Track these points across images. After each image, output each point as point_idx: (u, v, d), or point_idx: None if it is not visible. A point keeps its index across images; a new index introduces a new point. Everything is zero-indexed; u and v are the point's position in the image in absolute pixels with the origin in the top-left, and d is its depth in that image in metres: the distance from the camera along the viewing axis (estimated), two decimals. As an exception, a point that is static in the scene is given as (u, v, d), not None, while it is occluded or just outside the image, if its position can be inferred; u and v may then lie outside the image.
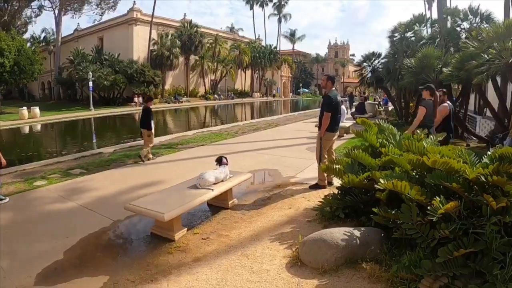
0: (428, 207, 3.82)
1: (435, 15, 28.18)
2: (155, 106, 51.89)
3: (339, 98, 8.09)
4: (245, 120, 33.68)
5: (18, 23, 65.47)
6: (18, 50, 42.87)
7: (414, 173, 4.75)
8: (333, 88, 8.15)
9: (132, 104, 51.95)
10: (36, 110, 37.06)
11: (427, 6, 55.54)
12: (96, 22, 70.48)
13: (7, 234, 5.90)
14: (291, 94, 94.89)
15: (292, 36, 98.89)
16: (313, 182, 8.07)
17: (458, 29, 17.26)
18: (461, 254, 3.55)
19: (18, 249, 5.36)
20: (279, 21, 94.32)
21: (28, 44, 51.09)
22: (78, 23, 79.06)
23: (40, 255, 5.10)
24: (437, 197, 3.81)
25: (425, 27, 21.21)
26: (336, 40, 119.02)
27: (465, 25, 16.98)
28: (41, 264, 4.85)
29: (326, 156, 7.92)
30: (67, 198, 7.80)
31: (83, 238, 5.70)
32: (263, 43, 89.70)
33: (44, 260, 4.96)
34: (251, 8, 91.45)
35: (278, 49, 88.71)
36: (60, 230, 6.02)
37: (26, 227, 6.26)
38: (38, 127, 33.16)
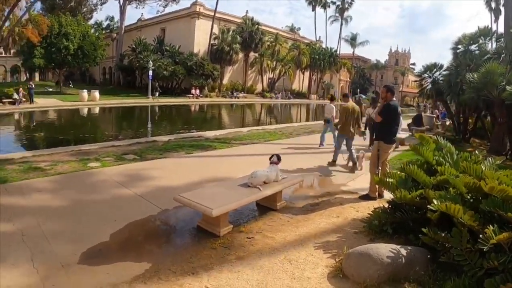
0: (480, 235, 3.74)
1: (501, 29, 27.26)
2: (211, 99, 52.54)
3: (399, 109, 7.93)
4: (300, 121, 33.59)
5: (84, 9, 68.00)
6: (82, 35, 44.78)
7: (469, 197, 4.64)
8: (394, 99, 8.00)
9: (190, 95, 52.68)
10: (96, 93, 38.62)
11: (493, 18, 53.62)
12: (159, 14, 72.06)
13: (57, 212, 6.15)
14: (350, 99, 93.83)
15: (353, 40, 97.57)
16: (364, 193, 7.98)
17: (525, 45, 16.62)
18: (508, 288, 3.44)
19: (66, 227, 5.57)
20: (341, 24, 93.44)
21: (92, 30, 52.83)
22: (142, 13, 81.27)
23: (86, 235, 5.28)
24: (490, 225, 3.72)
25: (490, 41, 20.51)
26: (397, 48, 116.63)
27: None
28: (87, 244, 5.02)
29: (380, 167, 7.81)
30: (118, 182, 8.05)
31: (131, 223, 5.86)
32: (323, 45, 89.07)
33: (90, 240, 5.13)
34: (313, 9, 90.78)
35: (338, 52, 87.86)
36: (108, 213, 6.23)
37: (75, 206, 6.50)
38: (97, 110, 34.38)
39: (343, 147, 11.18)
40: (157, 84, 50.29)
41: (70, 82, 58.32)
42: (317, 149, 14.02)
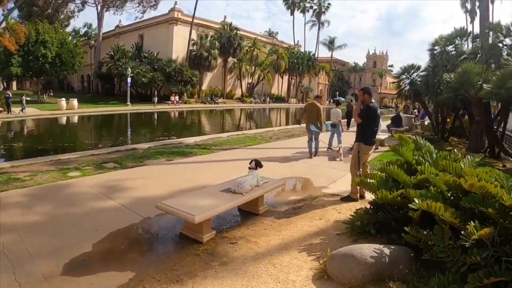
0: (462, 232, 3.77)
1: (477, 30, 27.71)
2: (191, 105, 52.49)
3: (378, 111, 7.97)
4: (280, 125, 33.68)
5: (61, 16, 67.67)
6: (60, 43, 44.52)
7: (449, 194, 4.68)
8: (373, 101, 8.04)
9: (169, 102, 52.65)
10: (74, 102, 38.51)
11: (469, 19, 54.48)
12: (138, 20, 71.82)
13: (38, 223, 6.06)
14: (327, 102, 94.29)
15: (331, 44, 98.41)
16: (345, 194, 8.00)
17: (500, 45, 16.86)
18: (491, 282, 3.47)
19: (48, 238, 5.48)
20: (318, 28, 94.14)
21: (70, 38, 52.49)
22: (119, 20, 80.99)
23: (69, 246, 5.21)
24: (471, 221, 3.75)
25: (467, 41, 20.82)
26: (375, 50, 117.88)
27: (508, 41, 16.60)
28: (69, 254, 4.96)
29: (361, 169, 7.84)
30: (99, 192, 7.96)
31: (113, 233, 5.80)
32: (302, 49, 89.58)
33: (73, 251, 5.06)
34: (292, 13, 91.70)
35: (316, 55, 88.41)
36: (90, 223, 6.14)
37: (57, 217, 6.41)
38: (75, 118, 34.17)
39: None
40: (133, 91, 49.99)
41: (51, 90, 57.91)
42: (297, 153, 14.01)
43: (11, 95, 33.26)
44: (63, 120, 32.65)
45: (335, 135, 14.75)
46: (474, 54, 17.61)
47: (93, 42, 70.12)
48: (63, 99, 38.54)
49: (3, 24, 40.60)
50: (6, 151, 17.26)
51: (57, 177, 9.08)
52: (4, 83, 70.52)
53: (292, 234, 5.90)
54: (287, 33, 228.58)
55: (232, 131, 23.78)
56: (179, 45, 62.84)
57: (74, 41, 53.42)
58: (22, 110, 32.28)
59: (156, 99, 49.38)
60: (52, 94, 53.74)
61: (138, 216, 6.54)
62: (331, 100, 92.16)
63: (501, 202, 3.87)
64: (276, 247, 5.37)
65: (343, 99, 52.09)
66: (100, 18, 65.08)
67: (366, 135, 7.82)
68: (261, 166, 6.87)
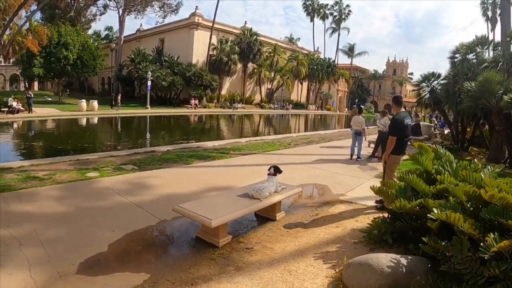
0: (481, 243, 3.72)
1: (498, 38, 27.38)
2: (210, 110, 52.68)
3: (407, 121, 7.84)
4: (299, 132, 33.66)
5: (83, 19, 68.33)
6: (82, 45, 45.15)
7: (468, 205, 4.62)
8: (402, 110, 7.99)
9: (188, 106, 52.83)
10: (95, 103, 38.68)
11: (490, 27, 53.89)
12: (158, 24, 72.31)
13: (55, 221, 6.14)
14: (346, 109, 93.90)
15: (350, 51, 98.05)
16: (368, 203, 8.07)
17: (523, 53, 16.67)
18: (510, 296, 3.41)
19: (64, 237, 5.55)
20: (338, 34, 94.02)
21: (91, 40, 53.04)
22: (141, 24, 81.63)
23: (85, 245, 5.26)
24: (491, 233, 3.70)
25: (488, 49, 20.58)
26: (395, 57, 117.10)
27: (529, 50, 16.40)
28: (85, 254, 5.00)
29: (395, 180, 7.73)
30: (117, 192, 8.03)
31: (129, 234, 5.84)
32: (321, 56, 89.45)
33: (89, 250, 5.11)
34: (312, 20, 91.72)
35: (336, 62, 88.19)
36: (107, 223, 6.21)
37: (74, 216, 6.47)
38: (95, 120, 34.33)
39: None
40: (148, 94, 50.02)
41: (67, 90, 58.46)
42: (316, 160, 13.97)
43: (32, 95, 33.64)
44: (83, 121, 32.97)
45: (357, 142, 14.65)
46: (495, 62, 17.38)
47: (114, 45, 70.53)
48: (84, 100, 38.96)
49: (26, 26, 41.16)
50: (26, 150, 17.45)
51: (76, 177, 9.16)
52: (26, 83, 71.44)
53: (308, 241, 5.88)
54: (305, 39, 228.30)
55: (250, 137, 23.79)
56: (199, 49, 63.07)
57: (96, 44, 53.95)
58: (29, 111, 32.53)
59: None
60: (68, 92, 54.15)
61: (155, 218, 6.57)
62: (351, 107, 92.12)
63: (522, 214, 3.82)
64: (292, 253, 5.36)
65: (362, 106, 51.91)
66: (121, 21, 65.60)
67: (394, 146, 7.75)
68: (280, 171, 6.85)
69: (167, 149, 14.78)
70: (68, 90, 59.40)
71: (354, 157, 14.39)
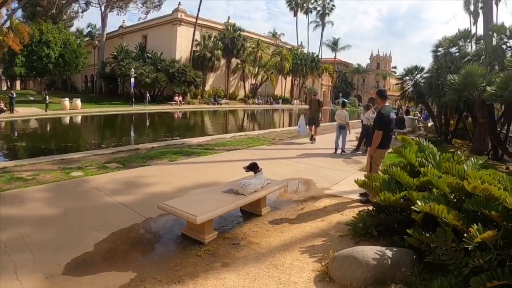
0: (465, 234, 3.75)
1: (480, 31, 27.61)
2: (194, 106, 52.54)
3: (392, 114, 7.87)
4: (283, 126, 33.67)
5: (65, 17, 67.80)
6: (64, 43, 44.77)
7: (452, 197, 4.66)
8: (387, 104, 7.99)
9: (172, 102, 52.69)
10: (78, 102, 38.64)
11: (472, 21, 54.40)
12: (141, 21, 72.03)
13: (41, 223, 6.06)
14: (330, 103, 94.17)
15: (334, 45, 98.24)
16: (353, 196, 8.11)
17: (504, 46, 16.77)
18: (494, 286, 3.44)
19: (50, 238, 5.48)
20: (322, 29, 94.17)
21: (74, 38, 52.58)
22: (123, 20, 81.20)
23: (70, 246, 5.20)
24: (474, 224, 3.73)
25: (470, 43, 20.75)
26: (378, 52, 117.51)
27: (512, 43, 16.54)
28: (71, 254, 4.96)
29: (380, 173, 7.76)
30: (101, 191, 7.95)
31: (114, 233, 5.79)
32: (305, 50, 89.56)
33: (74, 250, 5.06)
34: (295, 14, 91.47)
35: (319, 57, 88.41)
36: (92, 223, 6.14)
37: (59, 216, 6.41)
38: (79, 118, 34.24)
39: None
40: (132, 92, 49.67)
41: (52, 88, 57.96)
42: (300, 154, 13.99)
43: (14, 95, 33.24)
44: (67, 120, 32.72)
45: (341, 136, 14.68)
46: (478, 56, 17.53)
47: (96, 42, 70.28)
48: (67, 99, 38.66)
49: (7, 24, 40.70)
50: (9, 150, 17.28)
51: (60, 177, 9.07)
52: (8, 83, 70.66)
53: (294, 235, 5.89)
54: (288, 33, 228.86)
55: (235, 132, 23.76)
56: (183, 45, 62.95)
57: (78, 41, 53.48)
58: (11, 111, 32.12)
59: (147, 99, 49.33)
60: (52, 90, 53.62)
61: (140, 216, 6.53)
62: (335, 102, 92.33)
63: (505, 205, 3.85)
64: (278, 248, 5.37)
65: (347, 100, 52.12)
66: (103, 18, 65.35)
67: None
68: (257, 168, 6.84)
69: (151, 146, 14.71)
70: (52, 88, 58.86)
71: (339, 151, 14.43)
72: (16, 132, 25.44)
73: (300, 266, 4.78)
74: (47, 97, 36.87)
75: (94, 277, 4.44)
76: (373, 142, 7.78)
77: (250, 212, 6.88)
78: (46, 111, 35.19)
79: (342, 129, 14.55)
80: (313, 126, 17.39)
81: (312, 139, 17.41)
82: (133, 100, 46.21)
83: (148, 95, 52.78)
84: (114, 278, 4.42)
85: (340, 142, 14.58)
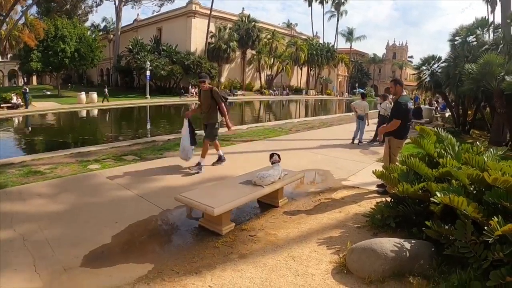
0: (485, 227, 3.70)
1: (498, 19, 27.17)
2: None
3: (410, 104, 7.77)
4: (299, 117, 33.60)
5: (80, 12, 68.19)
6: (79, 38, 45.01)
7: (472, 188, 4.60)
8: (404, 93, 7.90)
9: (188, 94, 52.83)
10: (94, 95, 38.89)
11: (489, 9, 53.53)
12: (155, 13, 72.11)
13: (59, 216, 6.12)
14: (346, 93, 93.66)
15: (350, 35, 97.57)
16: (370, 187, 8.04)
17: (523, 35, 16.51)
18: (515, 280, 3.39)
19: (68, 231, 5.54)
20: (337, 19, 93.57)
21: (89, 32, 52.78)
22: (137, 14, 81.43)
23: (88, 238, 5.26)
24: (495, 217, 3.68)
25: (488, 31, 20.41)
26: (394, 41, 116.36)
27: (530, 31, 16.25)
28: (89, 246, 5.00)
29: (398, 164, 7.67)
30: (119, 184, 8.02)
31: (132, 225, 5.83)
32: (320, 41, 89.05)
33: (92, 243, 5.11)
34: (310, 4, 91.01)
35: (335, 47, 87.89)
36: (109, 215, 6.20)
37: (77, 209, 6.47)
38: (95, 112, 34.42)
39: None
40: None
41: (71, 84, 58.33)
42: (317, 145, 13.94)
43: (27, 90, 33.39)
44: (83, 114, 32.97)
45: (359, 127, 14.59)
46: (496, 45, 17.21)
47: (111, 36, 70.56)
48: (83, 92, 38.99)
49: (22, 20, 40.98)
50: (27, 144, 17.47)
51: (77, 170, 9.15)
52: (25, 78, 71.28)
53: (311, 226, 5.88)
54: (302, 24, 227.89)
55: (251, 123, 23.74)
56: (198, 37, 62.93)
57: (93, 36, 53.64)
58: (26, 106, 32.21)
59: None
60: (73, 86, 54.09)
61: (158, 208, 6.56)
62: (353, 92, 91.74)
63: (526, 197, 3.80)
64: (295, 240, 5.36)
65: (362, 90, 51.80)
66: (118, 12, 65.60)
67: (396, 129, 7.65)
68: (279, 157, 6.86)
69: (167, 138, 14.76)
70: (70, 84, 59.36)
71: (356, 141, 14.35)
72: (33, 127, 25.68)
73: (318, 258, 4.77)
74: (106, 90, 38.97)
75: (112, 269, 4.48)
76: (388, 127, 7.71)
77: (267, 204, 6.88)
78: (103, 102, 37.55)
79: (361, 120, 14.47)
80: (205, 139, 10.03)
81: (216, 162, 10.27)
82: (148, 93, 46.32)
83: (193, 90, 53.20)
84: (131, 270, 4.46)
85: (358, 133, 14.50)
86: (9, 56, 69.47)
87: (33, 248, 4.89)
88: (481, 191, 4.40)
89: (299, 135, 16.98)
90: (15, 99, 31.21)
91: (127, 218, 6.03)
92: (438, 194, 4.30)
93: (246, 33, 64.59)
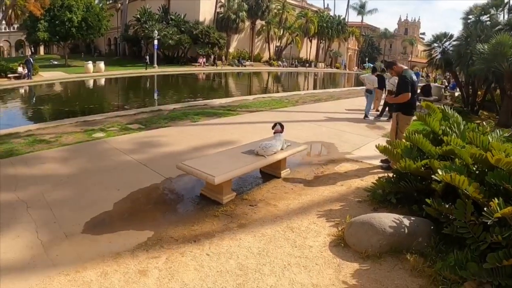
0: (485, 208, 3.67)
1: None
2: (218, 68, 52.40)
3: (414, 77, 7.69)
4: (307, 89, 33.45)
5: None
6: (86, 7, 44.46)
7: (474, 168, 4.57)
8: (404, 67, 7.81)
9: (196, 64, 52.61)
10: (101, 65, 38.73)
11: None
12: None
13: (62, 183, 6.18)
14: (356, 67, 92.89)
15: (361, 8, 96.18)
16: (374, 162, 8.01)
17: (538, 17, 16.24)
18: (511, 264, 3.38)
19: (71, 198, 5.60)
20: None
21: (96, 1, 52.05)
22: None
23: (90, 205, 5.32)
24: (495, 198, 3.64)
25: (502, 12, 20.08)
26: (407, 16, 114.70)
27: (546, 13, 15.97)
28: (91, 213, 5.07)
29: (404, 140, 7.61)
30: (122, 152, 8.07)
31: (134, 192, 5.88)
32: (331, 13, 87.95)
33: (94, 210, 5.17)
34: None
35: (346, 20, 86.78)
36: (112, 182, 6.24)
37: (80, 177, 6.51)
38: (102, 81, 34.49)
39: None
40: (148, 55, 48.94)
41: (82, 53, 58.06)
42: (323, 117, 13.88)
43: (31, 59, 32.34)
44: (90, 83, 32.87)
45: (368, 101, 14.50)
46: (510, 25, 16.91)
47: (119, 5, 69.54)
48: (90, 62, 38.62)
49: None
50: (33, 113, 17.49)
51: (82, 138, 9.23)
52: (32, 48, 70.88)
53: (312, 199, 5.89)
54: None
55: (258, 94, 23.67)
56: (206, 7, 62.09)
57: (100, 5, 53.00)
58: (28, 76, 31.33)
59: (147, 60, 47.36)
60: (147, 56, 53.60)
61: (160, 176, 6.61)
62: (362, 66, 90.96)
63: (529, 180, 3.76)
64: (295, 211, 5.39)
65: (372, 65, 51.30)
66: (127, -20, 64.65)
67: (404, 105, 7.61)
68: (281, 128, 6.78)
69: (173, 107, 14.80)
70: (83, 53, 59.02)
71: (370, 117, 14.25)
72: (40, 96, 25.57)
73: (316, 230, 4.80)
74: (147, 57, 39.65)
75: (112, 236, 4.53)
76: (398, 98, 7.67)
77: (269, 174, 6.90)
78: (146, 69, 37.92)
79: (369, 93, 14.37)
80: None
81: None
82: (148, 62, 45.97)
83: (201, 59, 53.13)
84: (131, 237, 4.51)
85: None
86: (15, 26, 68.72)
87: (36, 215, 4.96)
88: (483, 172, 4.35)
89: (306, 107, 16.91)
90: (21, 69, 30.90)
91: (129, 186, 6.07)
92: (440, 172, 4.27)
93: (256, 3, 63.79)
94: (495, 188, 4.09)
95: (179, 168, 5.74)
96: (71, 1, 42.75)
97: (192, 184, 6.29)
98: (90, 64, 37.72)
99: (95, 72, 37.43)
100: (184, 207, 5.52)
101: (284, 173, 6.93)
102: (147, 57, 46.86)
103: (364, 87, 15.77)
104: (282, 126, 6.75)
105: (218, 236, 4.56)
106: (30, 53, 54.04)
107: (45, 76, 33.43)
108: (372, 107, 14.70)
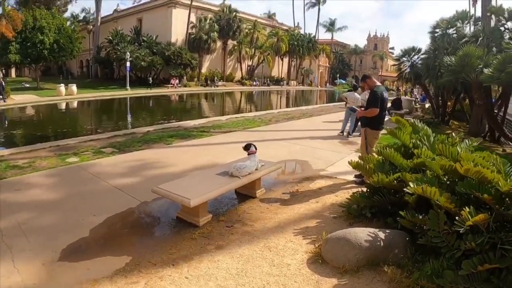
0: (457, 217, 3.74)
1: (478, 13, 27.41)
2: (191, 88, 52.45)
3: (385, 94, 7.82)
4: (280, 108, 33.64)
5: (58, 2, 66.92)
6: (58, 29, 44.04)
7: (445, 179, 4.65)
8: (377, 83, 7.94)
9: (169, 85, 52.62)
10: (73, 87, 38.28)
11: (471, 2, 54.14)
12: (136, 3, 71.53)
13: (37, 209, 6.06)
14: (327, 84, 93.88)
15: (331, 26, 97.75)
16: (348, 178, 8.07)
17: (502, 28, 16.64)
18: (486, 269, 3.46)
19: (46, 225, 5.49)
20: (319, 9, 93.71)
21: (68, 23, 51.78)
22: (118, 4, 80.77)
23: (66, 232, 5.22)
24: (466, 207, 3.72)
25: (468, 24, 20.62)
26: (375, 32, 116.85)
27: (510, 25, 16.34)
28: (67, 240, 4.97)
29: (374, 154, 7.71)
30: (97, 176, 7.95)
31: (110, 217, 5.80)
32: (302, 31, 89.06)
33: (70, 236, 5.07)
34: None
35: (316, 37, 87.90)
36: (88, 208, 6.14)
37: (55, 203, 6.40)
38: (75, 104, 34.06)
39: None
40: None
41: (69, 75, 57.58)
42: (296, 136, 13.96)
43: (3, 83, 31.93)
44: (63, 106, 32.42)
45: (349, 119, 14.55)
46: (476, 37, 17.37)
47: (91, 27, 69.60)
48: (62, 85, 38.15)
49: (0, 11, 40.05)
50: (5, 138, 17.18)
51: (56, 163, 9.05)
52: (3, 71, 70.27)
53: (288, 217, 5.90)
54: (283, 14, 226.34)
55: (231, 114, 23.72)
56: (178, 28, 62.36)
57: (72, 27, 52.58)
58: (3, 99, 30.75)
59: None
60: (69, 77, 52.82)
61: (136, 201, 6.54)
62: (333, 82, 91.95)
63: (497, 188, 3.84)
64: (272, 230, 5.38)
65: (343, 81, 51.99)
66: (97, 2, 64.39)
67: (372, 120, 7.73)
68: (255, 148, 6.80)
69: (147, 130, 14.70)
70: (69, 75, 58.51)
71: (345, 133, 14.32)
72: (12, 120, 25.08)
73: (294, 248, 4.80)
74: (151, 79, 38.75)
75: (90, 262, 4.46)
76: (366, 112, 7.80)
77: (245, 194, 6.89)
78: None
79: (353, 111, 14.45)
80: None
81: None
82: (128, 84, 45.85)
83: (150, 78, 53.00)
84: (109, 263, 4.45)
85: (348, 125, 14.49)
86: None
87: (12, 244, 4.85)
88: (454, 182, 4.44)
89: (279, 126, 16.98)
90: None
91: (105, 211, 5.99)
92: (412, 185, 4.33)
93: (227, 23, 64.29)
94: (466, 197, 4.16)
95: (155, 192, 5.69)
96: (43, 23, 42.33)
97: (168, 207, 6.25)
98: (62, 87, 37.16)
99: (68, 95, 36.95)
100: (161, 231, 5.47)
101: (259, 192, 6.94)
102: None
103: (343, 104, 15.81)
104: (255, 147, 6.77)
105: (196, 259, 4.52)
106: (1, 75, 53.41)
107: (17, 99, 32.86)
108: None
